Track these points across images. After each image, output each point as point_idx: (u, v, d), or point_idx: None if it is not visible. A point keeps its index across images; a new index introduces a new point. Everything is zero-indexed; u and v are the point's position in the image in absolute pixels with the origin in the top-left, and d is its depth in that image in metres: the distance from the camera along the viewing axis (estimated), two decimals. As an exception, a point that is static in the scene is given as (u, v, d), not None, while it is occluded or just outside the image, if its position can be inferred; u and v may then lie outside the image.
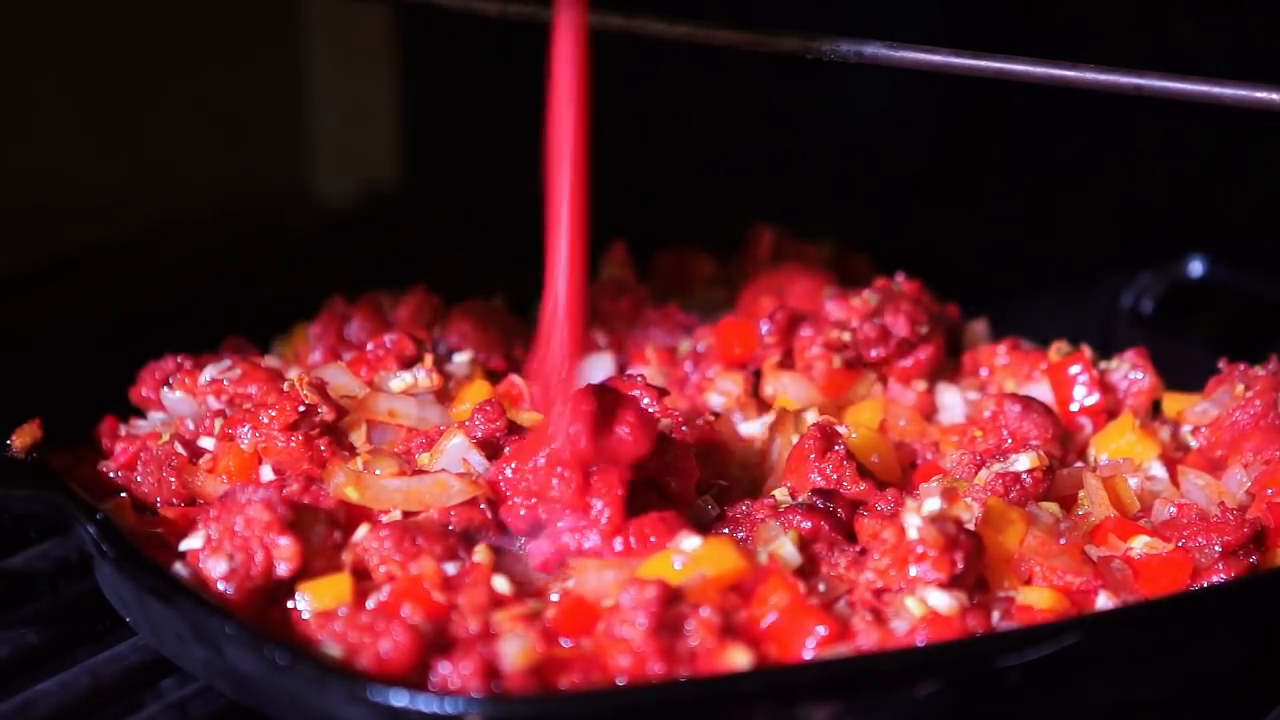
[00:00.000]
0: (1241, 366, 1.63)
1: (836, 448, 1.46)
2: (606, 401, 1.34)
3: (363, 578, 1.29)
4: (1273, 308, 1.94)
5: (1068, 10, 2.38)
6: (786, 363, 1.75)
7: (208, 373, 1.58)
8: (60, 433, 1.52)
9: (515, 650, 1.18)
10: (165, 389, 1.60)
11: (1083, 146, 2.45)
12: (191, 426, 1.55)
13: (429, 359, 1.61)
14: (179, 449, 1.49)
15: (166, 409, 1.60)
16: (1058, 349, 1.71)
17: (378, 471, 1.40)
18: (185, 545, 1.31)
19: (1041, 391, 1.66)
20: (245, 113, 2.57)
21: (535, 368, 1.39)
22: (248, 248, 2.39)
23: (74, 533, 1.37)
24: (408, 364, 1.61)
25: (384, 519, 1.35)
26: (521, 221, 2.48)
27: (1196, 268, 1.99)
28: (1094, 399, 1.65)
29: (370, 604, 1.24)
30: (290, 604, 1.28)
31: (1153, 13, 2.28)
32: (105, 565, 1.31)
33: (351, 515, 1.35)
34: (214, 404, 1.56)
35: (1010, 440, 1.55)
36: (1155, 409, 1.68)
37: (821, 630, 1.22)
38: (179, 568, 1.29)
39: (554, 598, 1.28)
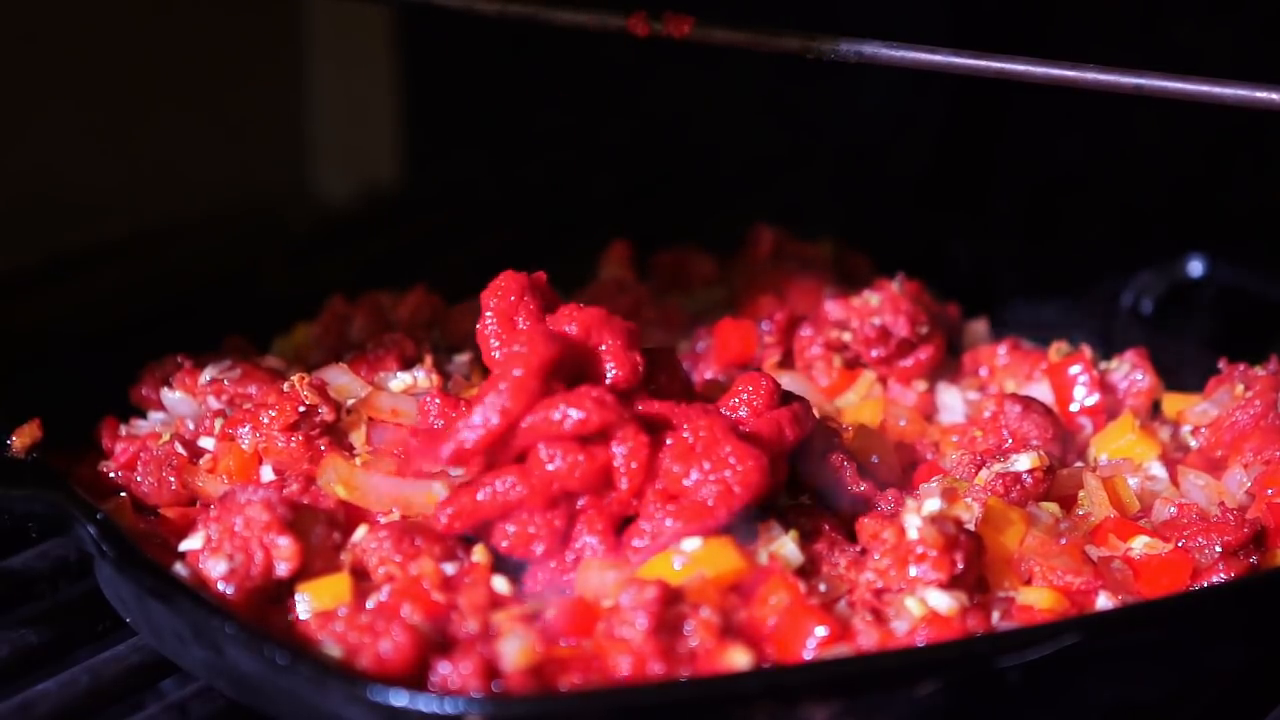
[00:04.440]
0: (1241, 366, 1.63)
1: (836, 448, 1.46)
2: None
3: (362, 578, 1.29)
4: (1273, 308, 1.94)
5: (1068, 10, 2.38)
6: (786, 363, 1.75)
7: (208, 373, 1.58)
8: (60, 433, 1.52)
9: (515, 650, 1.18)
10: (165, 389, 1.60)
11: (1083, 146, 2.45)
12: (191, 426, 1.55)
13: (429, 359, 1.61)
14: (179, 449, 1.49)
15: (166, 409, 1.60)
16: (1058, 349, 1.71)
17: (375, 467, 1.40)
18: (185, 545, 1.31)
19: (1041, 391, 1.66)
20: (245, 113, 2.57)
21: None
22: (248, 248, 2.39)
23: (74, 533, 1.37)
24: (408, 364, 1.61)
25: (383, 519, 1.35)
26: (521, 221, 2.49)
27: (1196, 268, 1.99)
28: (1094, 399, 1.65)
29: (370, 604, 1.24)
30: (290, 604, 1.28)
31: (1153, 13, 2.28)
32: (105, 565, 1.31)
33: (351, 515, 1.35)
34: (214, 404, 1.56)
35: (1010, 440, 1.55)
36: (1155, 409, 1.68)
37: (822, 630, 1.22)
38: (179, 568, 1.29)
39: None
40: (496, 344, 1.40)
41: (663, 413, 1.34)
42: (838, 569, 1.31)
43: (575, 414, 1.29)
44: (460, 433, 1.30)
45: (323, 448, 1.47)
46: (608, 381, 1.34)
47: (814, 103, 2.59)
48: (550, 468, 1.29)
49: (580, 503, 1.31)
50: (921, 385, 1.71)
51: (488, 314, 1.42)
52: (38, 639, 1.40)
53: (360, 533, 1.32)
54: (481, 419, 1.29)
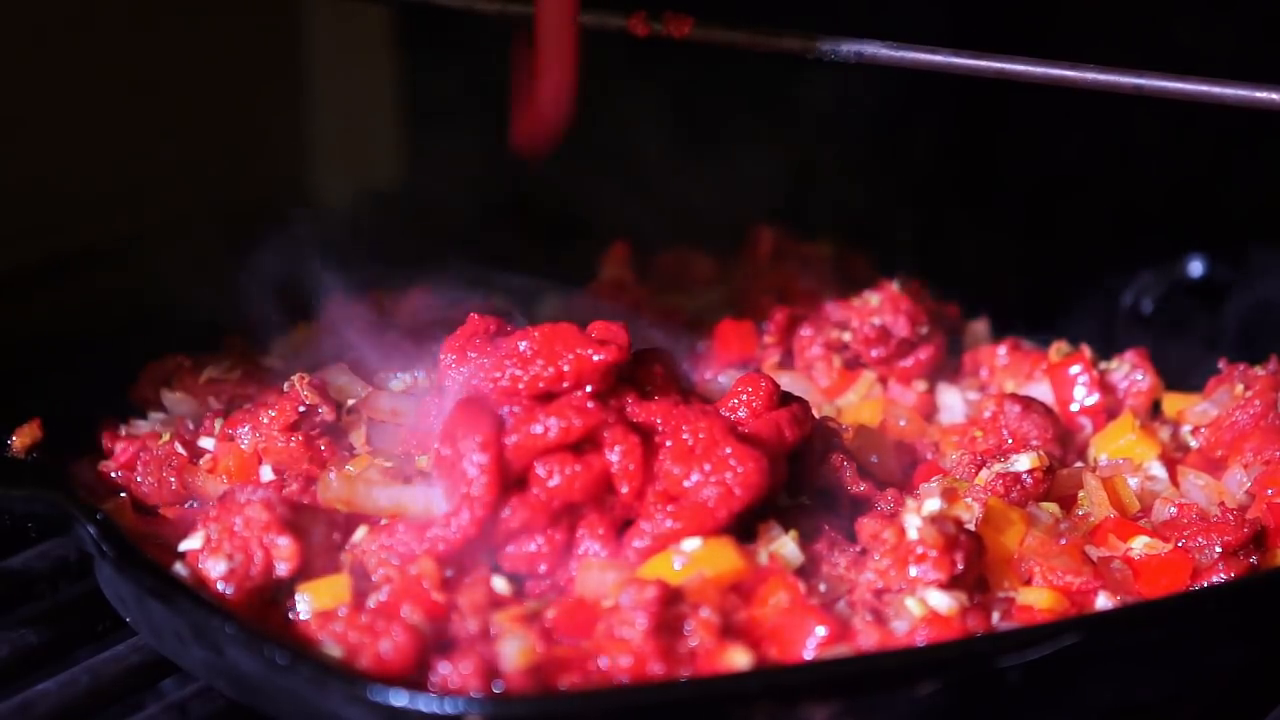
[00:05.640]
0: (1241, 366, 1.63)
1: (836, 448, 1.46)
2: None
3: (362, 578, 1.29)
4: (1273, 308, 1.94)
5: (1068, 10, 2.38)
6: (786, 363, 1.75)
7: (208, 373, 1.58)
8: (60, 433, 1.52)
9: (515, 650, 1.18)
10: (165, 389, 1.60)
11: (1083, 146, 2.44)
12: (191, 426, 1.55)
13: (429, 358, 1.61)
14: (179, 449, 1.49)
15: (166, 409, 1.60)
16: (1058, 349, 1.71)
17: (373, 475, 1.40)
18: (185, 545, 1.31)
19: (1041, 391, 1.66)
20: (245, 112, 2.57)
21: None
22: (247, 248, 2.38)
23: (74, 533, 1.37)
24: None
25: (384, 520, 1.35)
26: (521, 221, 2.49)
27: (1196, 268, 1.99)
28: (1094, 399, 1.65)
29: (370, 604, 1.24)
30: (290, 604, 1.28)
31: (1153, 13, 2.28)
32: (105, 565, 1.31)
33: (351, 515, 1.35)
34: (214, 404, 1.56)
35: (1010, 440, 1.55)
36: (1155, 409, 1.68)
37: (822, 630, 1.22)
38: (179, 568, 1.29)
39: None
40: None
41: (661, 414, 1.34)
42: (838, 569, 1.31)
43: (557, 423, 1.29)
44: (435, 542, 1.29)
45: (323, 448, 1.47)
46: (564, 385, 1.33)
47: (814, 102, 2.59)
48: (551, 484, 1.29)
49: (582, 510, 1.31)
50: (921, 385, 1.71)
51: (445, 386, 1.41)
52: (38, 639, 1.40)
53: (360, 533, 1.32)
54: (454, 525, 1.29)
